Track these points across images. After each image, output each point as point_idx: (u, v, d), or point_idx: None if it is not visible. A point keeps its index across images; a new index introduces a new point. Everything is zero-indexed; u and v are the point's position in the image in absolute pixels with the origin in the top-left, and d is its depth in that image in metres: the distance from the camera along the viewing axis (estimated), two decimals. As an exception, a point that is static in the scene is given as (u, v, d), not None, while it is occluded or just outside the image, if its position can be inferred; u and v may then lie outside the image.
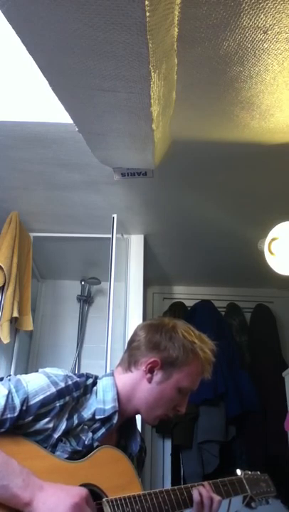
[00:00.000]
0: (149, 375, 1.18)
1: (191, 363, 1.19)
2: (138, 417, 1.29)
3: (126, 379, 1.21)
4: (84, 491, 0.97)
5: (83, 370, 1.73)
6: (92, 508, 0.99)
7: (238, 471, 1.30)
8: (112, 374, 1.22)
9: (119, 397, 1.17)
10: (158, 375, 1.18)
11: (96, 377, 1.21)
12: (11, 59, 1.60)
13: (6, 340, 2.27)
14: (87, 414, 1.12)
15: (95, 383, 1.19)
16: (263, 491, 1.29)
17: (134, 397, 1.19)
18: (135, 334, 1.27)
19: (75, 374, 1.16)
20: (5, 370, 2.57)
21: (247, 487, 1.26)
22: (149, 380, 1.18)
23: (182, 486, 1.16)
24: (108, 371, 1.28)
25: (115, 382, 1.19)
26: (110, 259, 2.39)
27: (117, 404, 1.15)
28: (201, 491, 1.14)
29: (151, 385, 1.18)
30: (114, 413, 1.14)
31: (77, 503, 0.94)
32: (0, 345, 2.35)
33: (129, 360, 1.23)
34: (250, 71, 1.43)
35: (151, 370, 1.19)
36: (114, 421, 1.14)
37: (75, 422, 1.09)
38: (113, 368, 1.29)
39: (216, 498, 1.15)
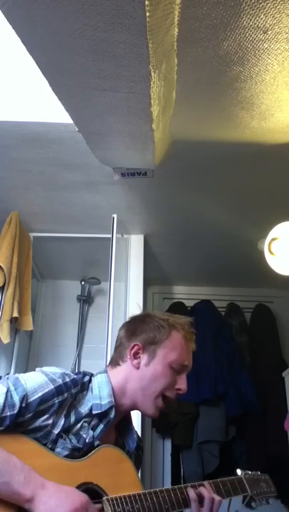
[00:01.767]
0: (136, 362, 1.21)
1: (170, 336, 1.23)
2: (134, 416, 1.29)
3: (117, 373, 1.22)
4: (85, 498, 0.98)
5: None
6: None
7: (239, 471, 1.30)
8: (105, 371, 1.24)
9: (114, 392, 1.18)
10: (144, 358, 1.21)
11: (92, 375, 1.22)
12: (11, 59, 1.60)
13: (6, 340, 2.27)
14: (84, 409, 1.13)
15: (91, 380, 1.20)
16: (264, 491, 1.29)
17: (127, 388, 1.20)
18: (117, 336, 1.31)
19: (72, 372, 1.17)
20: (5, 369, 2.58)
21: (247, 487, 1.26)
22: (137, 366, 1.21)
23: (182, 486, 1.16)
24: None
25: (109, 378, 1.21)
26: (110, 259, 2.39)
27: (113, 399, 1.16)
28: (203, 492, 1.14)
29: (141, 370, 1.20)
30: (110, 408, 1.15)
31: (77, 508, 0.94)
32: (0, 345, 2.35)
33: (116, 357, 1.26)
34: (250, 71, 1.43)
35: (135, 356, 1.22)
36: (112, 416, 1.15)
37: (73, 418, 1.10)
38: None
39: (217, 498, 1.14)
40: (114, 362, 1.26)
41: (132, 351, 1.22)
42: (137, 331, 1.24)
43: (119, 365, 1.24)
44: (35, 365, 2.90)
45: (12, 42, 1.30)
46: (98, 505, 1.02)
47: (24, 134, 1.91)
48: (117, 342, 1.30)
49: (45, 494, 0.94)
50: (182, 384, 1.21)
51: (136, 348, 1.22)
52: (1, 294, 2.32)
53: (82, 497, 0.97)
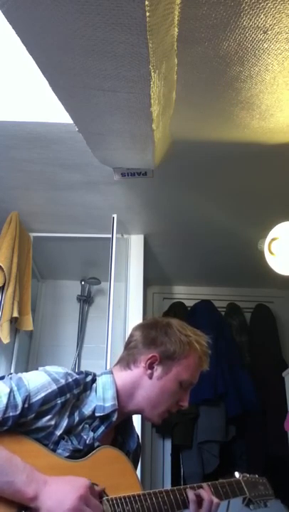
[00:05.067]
0: (149, 371, 1.20)
1: (189, 356, 1.22)
2: (134, 416, 1.29)
3: (125, 377, 1.21)
4: (87, 481, 0.99)
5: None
6: (95, 497, 1.00)
7: (237, 474, 1.30)
8: (110, 372, 1.23)
9: (118, 395, 1.18)
10: (158, 370, 1.20)
11: (94, 375, 1.22)
12: (11, 59, 1.60)
13: (6, 340, 2.27)
14: (87, 410, 1.13)
15: (94, 380, 1.19)
16: (262, 493, 1.29)
17: (135, 395, 1.20)
18: (131, 335, 1.29)
19: (74, 371, 1.17)
20: (5, 370, 2.58)
21: (245, 489, 1.26)
22: (150, 376, 1.20)
23: (181, 487, 1.16)
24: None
25: (114, 379, 1.20)
26: (110, 259, 2.39)
27: (116, 403, 1.16)
28: (202, 494, 1.15)
29: (152, 381, 1.20)
30: (113, 411, 1.15)
31: (83, 495, 0.96)
32: (0, 345, 2.35)
33: (128, 358, 1.24)
34: (250, 71, 1.43)
35: (150, 366, 1.20)
36: (114, 419, 1.15)
37: (76, 418, 1.10)
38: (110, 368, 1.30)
39: (215, 500, 1.15)
40: (125, 364, 1.24)
41: (149, 361, 1.20)
42: (157, 341, 1.22)
43: (130, 368, 1.22)
44: (35, 365, 2.90)
45: (12, 42, 1.30)
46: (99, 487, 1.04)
47: (24, 134, 1.90)
48: (130, 342, 1.27)
49: (48, 490, 0.95)
50: (185, 401, 1.23)
51: (153, 358, 1.20)
52: (1, 294, 2.32)
53: (84, 481, 0.99)
